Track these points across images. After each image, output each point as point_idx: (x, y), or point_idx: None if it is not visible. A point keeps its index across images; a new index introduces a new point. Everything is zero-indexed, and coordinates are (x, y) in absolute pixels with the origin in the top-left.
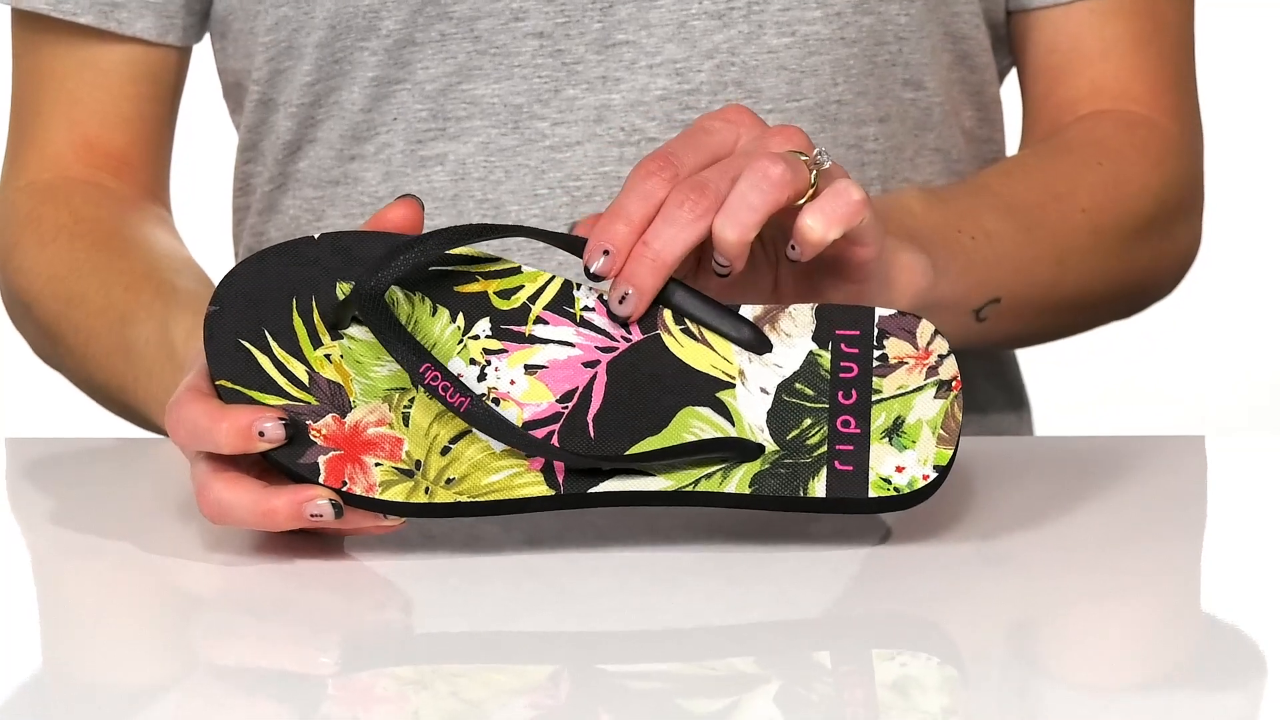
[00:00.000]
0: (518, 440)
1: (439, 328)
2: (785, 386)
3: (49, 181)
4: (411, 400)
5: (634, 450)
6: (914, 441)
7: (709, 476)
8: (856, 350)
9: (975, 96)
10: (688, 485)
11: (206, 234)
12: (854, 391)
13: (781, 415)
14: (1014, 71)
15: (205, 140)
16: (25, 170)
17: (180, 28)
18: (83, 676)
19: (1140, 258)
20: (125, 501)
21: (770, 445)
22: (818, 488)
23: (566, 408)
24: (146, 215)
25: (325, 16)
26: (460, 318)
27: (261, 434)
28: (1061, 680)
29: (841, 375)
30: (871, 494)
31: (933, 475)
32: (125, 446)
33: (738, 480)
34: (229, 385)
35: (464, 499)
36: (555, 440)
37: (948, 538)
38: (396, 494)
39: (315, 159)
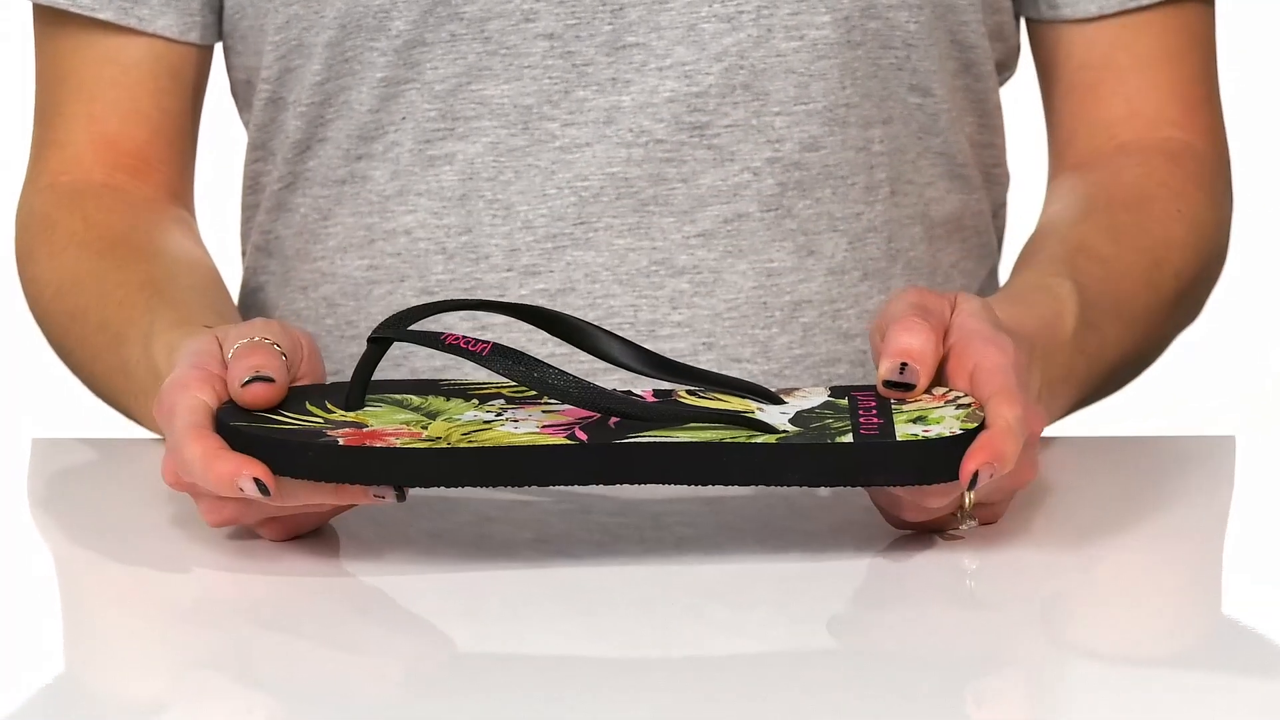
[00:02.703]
0: (548, 376)
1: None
2: (805, 414)
3: (67, 185)
4: (430, 419)
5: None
6: (939, 422)
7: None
8: (873, 400)
9: (978, 104)
10: (714, 439)
11: (215, 233)
12: (875, 414)
13: (804, 419)
14: (1012, 80)
15: (216, 138)
16: (46, 171)
17: (201, 25)
18: (95, 679)
19: (1203, 299)
20: (150, 503)
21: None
22: (846, 439)
23: (587, 420)
24: (162, 218)
25: (335, 16)
26: (475, 401)
27: (241, 489)
28: (1087, 677)
29: (860, 412)
30: (899, 438)
31: (959, 432)
32: (152, 447)
33: (764, 436)
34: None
35: (487, 446)
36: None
37: (970, 535)
38: (412, 444)
39: (324, 158)
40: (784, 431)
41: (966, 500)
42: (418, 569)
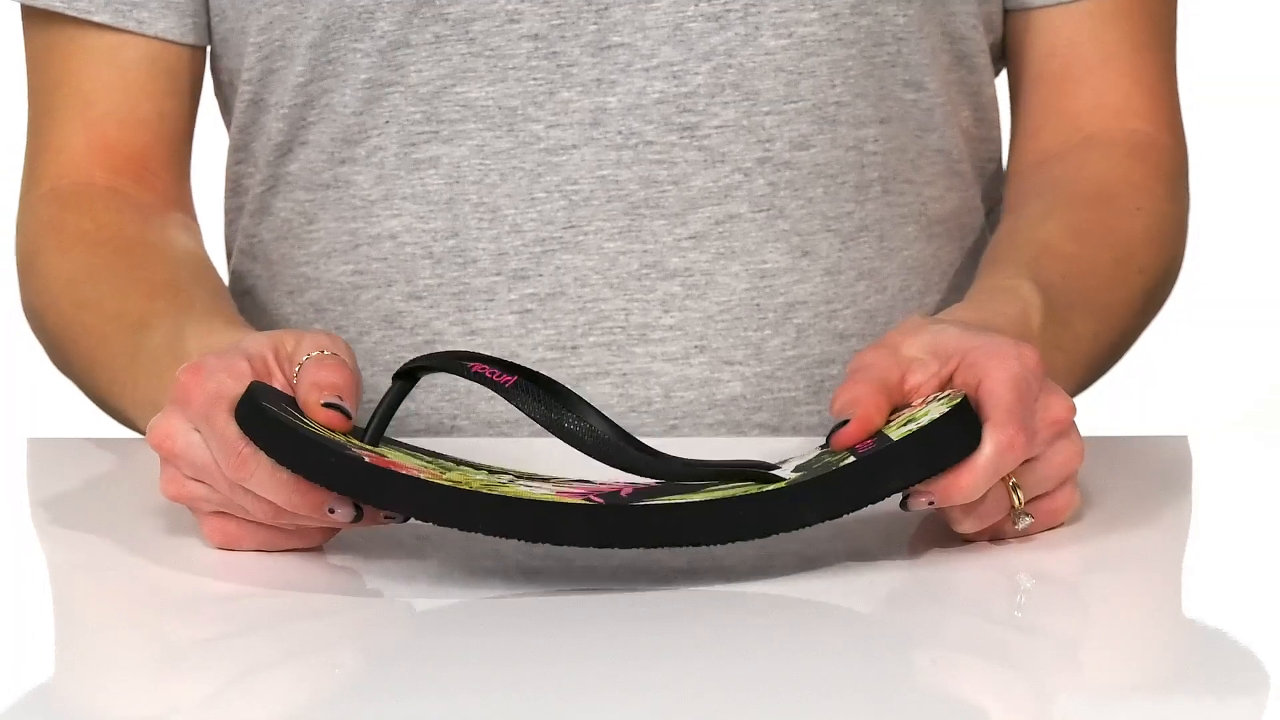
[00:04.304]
0: (565, 420)
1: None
2: (805, 464)
3: (70, 188)
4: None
5: (669, 499)
6: (926, 415)
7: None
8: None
9: (973, 97)
10: (727, 495)
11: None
12: (870, 441)
13: (805, 466)
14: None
15: (199, 139)
16: (45, 177)
17: (197, 27)
18: (88, 678)
19: (1167, 294)
20: (145, 503)
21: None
22: (847, 461)
23: (599, 490)
24: (168, 223)
25: (318, 16)
26: (485, 471)
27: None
28: (1047, 680)
29: (857, 447)
30: (894, 438)
31: (946, 410)
32: (147, 446)
33: (775, 485)
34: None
35: (514, 497)
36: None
37: (933, 539)
38: (426, 476)
39: (306, 161)
40: (791, 478)
41: (1015, 499)
42: (404, 563)
